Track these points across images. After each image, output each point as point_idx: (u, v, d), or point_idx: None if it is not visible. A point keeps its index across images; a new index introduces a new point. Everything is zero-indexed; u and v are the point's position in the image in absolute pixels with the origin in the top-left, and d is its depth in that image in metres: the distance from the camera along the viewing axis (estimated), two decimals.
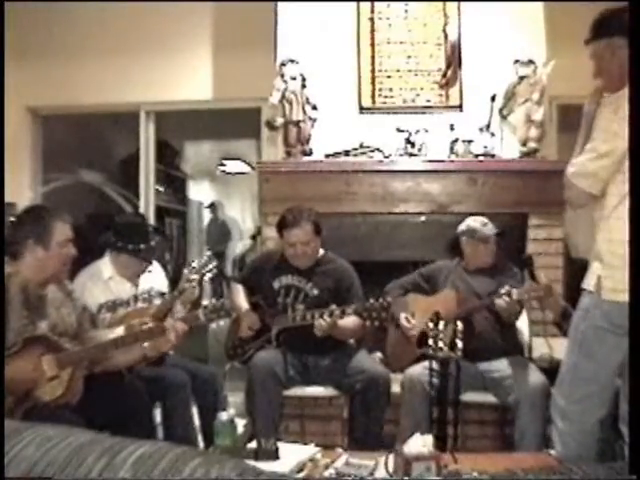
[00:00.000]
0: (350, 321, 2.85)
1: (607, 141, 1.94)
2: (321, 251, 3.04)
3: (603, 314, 1.97)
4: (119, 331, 2.59)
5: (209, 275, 2.89)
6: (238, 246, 8.37)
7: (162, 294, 2.96)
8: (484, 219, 3.08)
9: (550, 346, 3.03)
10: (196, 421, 2.87)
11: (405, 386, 2.82)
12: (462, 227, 3.09)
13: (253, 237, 6.56)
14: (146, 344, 2.54)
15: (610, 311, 1.93)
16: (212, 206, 8.35)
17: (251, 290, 3.11)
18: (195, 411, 2.88)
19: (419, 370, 2.70)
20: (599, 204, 2.03)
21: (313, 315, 2.79)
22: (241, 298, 3.09)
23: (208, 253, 3.00)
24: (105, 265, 2.90)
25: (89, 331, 2.58)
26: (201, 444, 2.80)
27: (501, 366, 2.85)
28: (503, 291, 2.74)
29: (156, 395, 2.66)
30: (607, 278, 1.96)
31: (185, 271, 2.86)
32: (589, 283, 2.03)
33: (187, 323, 2.67)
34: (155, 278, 3.02)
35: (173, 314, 2.77)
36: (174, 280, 3.08)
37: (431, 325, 2.39)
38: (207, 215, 8.39)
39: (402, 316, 3.04)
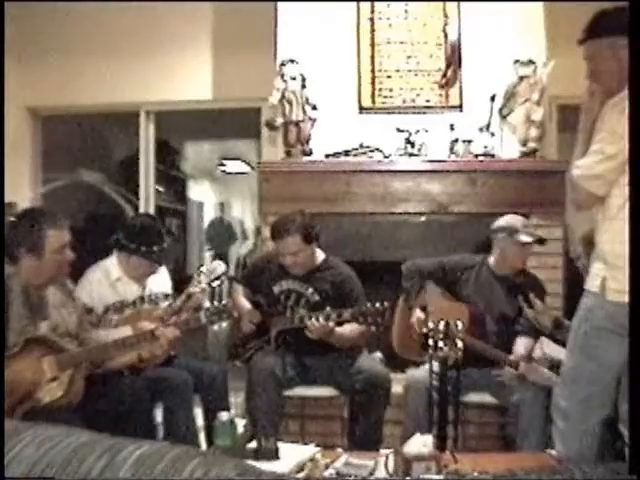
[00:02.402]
0: (347, 329, 2.83)
1: (614, 143, 1.93)
2: (322, 255, 3.01)
3: (607, 315, 1.96)
4: (124, 331, 2.60)
5: (218, 282, 2.88)
6: (238, 246, 8.38)
7: (166, 296, 2.96)
8: (525, 220, 2.93)
9: (551, 347, 3.02)
10: (200, 421, 2.88)
11: (408, 388, 2.81)
12: (501, 223, 2.91)
13: (256, 236, 6.59)
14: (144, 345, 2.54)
15: (614, 312, 1.92)
16: (214, 205, 8.36)
17: (253, 291, 3.12)
18: (199, 410, 2.88)
19: (422, 372, 2.69)
20: (602, 205, 2.02)
21: (311, 317, 2.79)
22: (243, 297, 3.10)
23: (216, 261, 2.99)
24: (113, 265, 2.86)
25: (90, 331, 2.58)
26: (204, 444, 2.80)
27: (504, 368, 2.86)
28: (512, 357, 2.72)
29: (158, 395, 2.66)
30: (612, 279, 1.95)
31: (195, 275, 2.86)
32: (592, 284, 2.02)
33: (188, 326, 2.67)
34: (160, 279, 3.01)
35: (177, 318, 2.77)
36: (173, 280, 3.08)
37: (431, 325, 2.39)
38: (210, 215, 8.39)
39: (417, 312, 2.96)
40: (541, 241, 2.90)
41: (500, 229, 2.91)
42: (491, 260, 2.98)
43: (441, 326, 2.36)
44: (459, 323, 2.41)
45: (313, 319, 2.76)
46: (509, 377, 2.73)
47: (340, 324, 2.81)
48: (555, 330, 2.67)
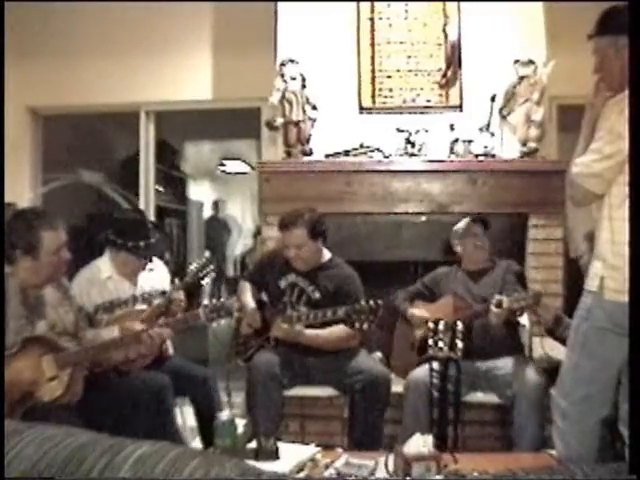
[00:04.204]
0: (326, 331, 2.85)
1: (612, 142, 1.94)
2: (327, 255, 3.03)
3: (605, 314, 1.96)
4: (111, 332, 2.60)
5: (207, 278, 2.89)
6: (238, 246, 8.38)
7: (163, 293, 2.95)
8: (469, 219, 3.21)
9: (550, 346, 3.03)
10: (192, 422, 2.87)
11: (408, 388, 2.82)
12: (453, 231, 3.21)
13: (255, 236, 6.58)
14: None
15: (613, 311, 1.93)
16: (214, 205, 8.36)
17: (259, 288, 3.13)
18: (191, 412, 2.88)
19: (422, 371, 2.70)
20: (601, 204, 2.03)
21: (308, 315, 2.80)
22: (248, 296, 3.10)
23: (207, 254, 2.99)
24: (104, 264, 2.87)
25: (86, 330, 2.57)
26: (194, 444, 2.79)
27: (501, 364, 2.87)
28: (494, 300, 2.75)
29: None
30: (610, 279, 1.96)
31: (177, 281, 2.86)
32: (591, 284, 2.02)
33: (187, 324, 2.66)
34: (157, 277, 3.01)
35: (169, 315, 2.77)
36: (174, 281, 3.08)
37: (431, 326, 2.39)
38: (208, 215, 8.39)
39: (410, 311, 3.11)
40: (483, 222, 3.18)
41: (453, 236, 3.22)
42: (465, 262, 3.19)
43: (441, 326, 2.37)
44: (459, 323, 2.42)
45: (311, 318, 2.79)
46: (497, 315, 2.76)
47: (322, 326, 2.83)
48: (555, 326, 2.67)
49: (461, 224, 3.21)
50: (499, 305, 2.72)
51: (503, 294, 2.79)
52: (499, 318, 2.77)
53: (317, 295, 2.94)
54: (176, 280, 2.88)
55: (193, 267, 2.88)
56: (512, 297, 2.73)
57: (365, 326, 2.70)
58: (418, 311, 3.10)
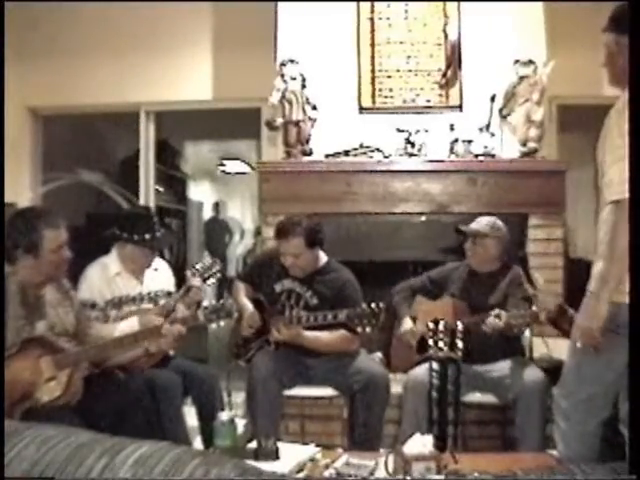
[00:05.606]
0: (326, 334, 2.84)
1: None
2: (324, 259, 3.01)
3: (610, 316, 1.96)
4: (130, 324, 2.62)
5: (213, 280, 2.89)
6: (239, 246, 8.38)
7: (169, 294, 2.95)
8: (491, 219, 3.02)
9: (550, 346, 3.03)
10: (194, 421, 2.87)
11: (408, 387, 2.82)
12: (469, 228, 3.04)
13: (255, 236, 6.58)
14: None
15: (616, 312, 1.92)
16: (215, 206, 8.36)
17: (255, 288, 3.12)
18: (193, 412, 2.88)
19: (422, 371, 2.70)
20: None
21: (309, 318, 2.80)
22: (244, 297, 3.09)
23: (210, 259, 2.99)
24: (112, 260, 2.88)
25: (92, 328, 2.57)
26: (195, 444, 2.79)
27: (500, 366, 2.86)
28: (494, 313, 2.72)
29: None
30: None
31: (188, 273, 2.86)
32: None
33: (186, 324, 2.66)
34: (162, 278, 3.01)
35: (175, 315, 2.77)
36: (179, 284, 3.08)
37: (431, 326, 2.39)
38: (208, 215, 8.39)
39: (405, 323, 3.05)
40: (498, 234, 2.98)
41: (472, 234, 2.99)
42: (471, 262, 3.04)
43: (441, 326, 2.37)
44: (459, 323, 2.42)
45: (312, 320, 2.77)
46: (493, 328, 2.71)
47: (322, 329, 2.82)
48: (557, 316, 2.64)
49: (476, 224, 3.02)
50: (498, 317, 2.70)
51: (505, 306, 2.76)
52: (494, 330, 2.73)
53: (315, 301, 2.92)
54: (188, 273, 2.87)
55: (199, 267, 2.87)
56: (511, 314, 2.70)
57: (367, 330, 2.68)
58: (411, 327, 3.03)
